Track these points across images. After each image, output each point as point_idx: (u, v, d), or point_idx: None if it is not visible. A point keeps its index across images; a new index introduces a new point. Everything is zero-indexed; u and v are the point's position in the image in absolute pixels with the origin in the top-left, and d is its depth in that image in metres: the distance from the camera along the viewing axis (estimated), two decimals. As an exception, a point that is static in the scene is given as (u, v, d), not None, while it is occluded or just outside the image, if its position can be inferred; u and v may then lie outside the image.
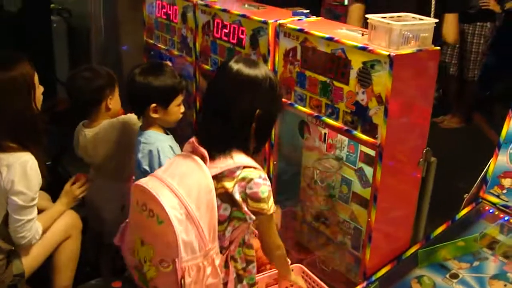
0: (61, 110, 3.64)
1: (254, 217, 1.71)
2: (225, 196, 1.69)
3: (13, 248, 2.21)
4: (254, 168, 1.70)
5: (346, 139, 2.15)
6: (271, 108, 1.75)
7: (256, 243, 1.95)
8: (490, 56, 4.56)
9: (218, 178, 1.68)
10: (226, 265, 1.78)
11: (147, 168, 2.18)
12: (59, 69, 4.22)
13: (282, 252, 1.92)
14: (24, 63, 2.16)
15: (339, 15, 4.82)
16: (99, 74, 2.55)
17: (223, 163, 1.68)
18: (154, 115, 2.21)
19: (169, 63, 2.55)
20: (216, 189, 1.66)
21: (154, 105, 2.19)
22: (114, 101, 2.58)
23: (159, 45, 3.15)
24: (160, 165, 2.12)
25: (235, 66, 1.70)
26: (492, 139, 3.76)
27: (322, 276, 2.27)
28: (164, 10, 3.02)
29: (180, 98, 2.24)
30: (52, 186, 2.50)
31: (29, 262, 2.24)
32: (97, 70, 2.59)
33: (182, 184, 1.64)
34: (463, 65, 4.50)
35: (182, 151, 1.87)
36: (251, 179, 1.68)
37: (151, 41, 3.23)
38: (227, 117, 1.68)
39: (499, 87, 4.88)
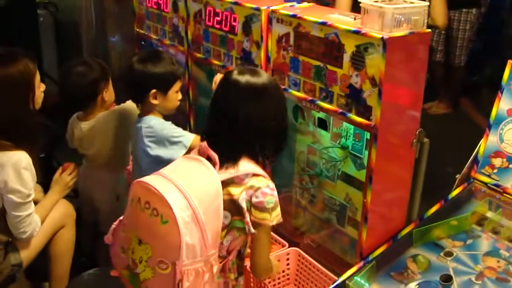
0: (50, 104, 3.62)
1: (253, 230, 1.68)
2: (227, 203, 1.66)
3: (10, 239, 2.21)
4: (263, 177, 1.70)
5: (352, 127, 2.14)
6: (282, 109, 1.79)
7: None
8: (476, 42, 4.60)
9: (224, 183, 1.65)
10: (221, 275, 1.75)
11: (158, 152, 2.19)
12: (47, 63, 4.19)
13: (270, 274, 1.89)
14: (24, 60, 2.12)
15: (327, 3, 4.83)
16: (92, 67, 2.52)
17: (233, 169, 1.67)
18: (154, 102, 2.23)
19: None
20: None
21: (154, 91, 2.20)
22: (108, 93, 2.57)
23: (150, 35, 3.15)
24: (174, 142, 2.15)
25: (243, 78, 1.71)
26: (480, 124, 3.81)
27: (319, 258, 2.31)
28: (155, 0, 3.02)
29: (178, 85, 2.26)
30: (45, 179, 2.50)
31: (26, 252, 2.24)
32: (89, 63, 2.56)
33: (190, 186, 1.60)
34: (449, 51, 4.54)
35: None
36: (258, 188, 1.67)
37: (142, 32, 3.23)
38: (241, 127, 1.68)
39: (486, 72, 4.93)
